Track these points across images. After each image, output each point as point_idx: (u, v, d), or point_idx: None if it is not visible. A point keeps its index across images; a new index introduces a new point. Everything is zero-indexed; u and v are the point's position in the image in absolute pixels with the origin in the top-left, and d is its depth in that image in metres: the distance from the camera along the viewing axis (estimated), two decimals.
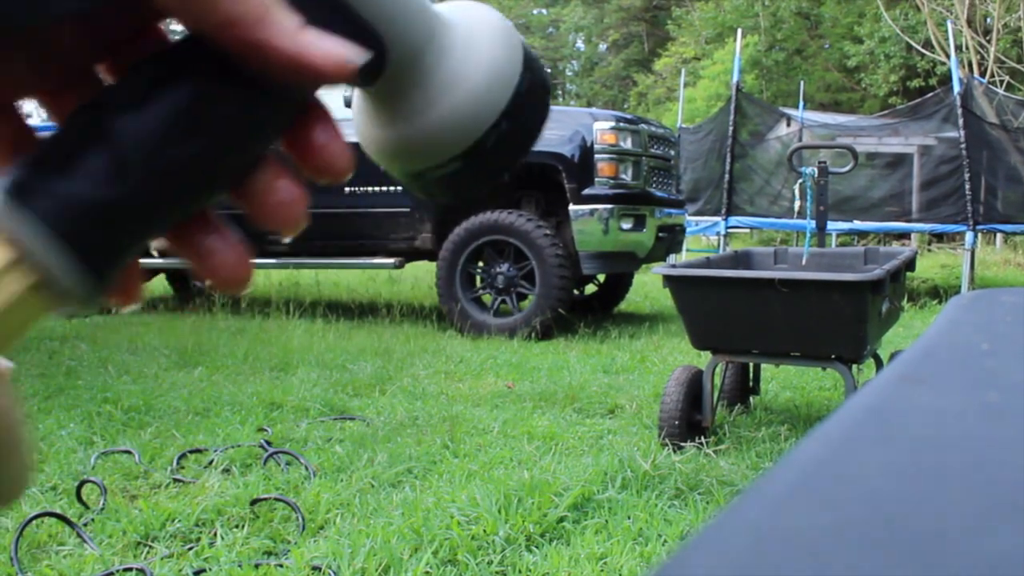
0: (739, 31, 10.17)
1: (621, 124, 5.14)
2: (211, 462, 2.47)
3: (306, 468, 2.39)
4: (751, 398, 3.31)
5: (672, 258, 6.12)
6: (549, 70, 11.56)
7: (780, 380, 3.75)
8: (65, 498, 2.20)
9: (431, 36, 0.32)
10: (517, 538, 1.89)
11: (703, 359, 2.95)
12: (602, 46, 37.67)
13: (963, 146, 7.69)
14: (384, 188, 5.35)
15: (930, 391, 0.39)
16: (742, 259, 3.33)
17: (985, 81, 10.89)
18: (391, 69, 0.31)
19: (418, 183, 0.35)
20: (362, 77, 0.30)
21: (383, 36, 0.30)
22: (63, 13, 0.26)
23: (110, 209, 0.26)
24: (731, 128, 8.71)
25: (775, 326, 2.51)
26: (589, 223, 5.02)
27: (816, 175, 3.78)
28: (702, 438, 2.65)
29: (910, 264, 2.97)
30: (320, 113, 0.31)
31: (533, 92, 0.34)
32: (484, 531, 1.90)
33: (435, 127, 0.32)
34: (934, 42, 17.18)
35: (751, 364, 3.21)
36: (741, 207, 8.65)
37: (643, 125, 5.41)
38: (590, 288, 6.52)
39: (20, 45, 0.29)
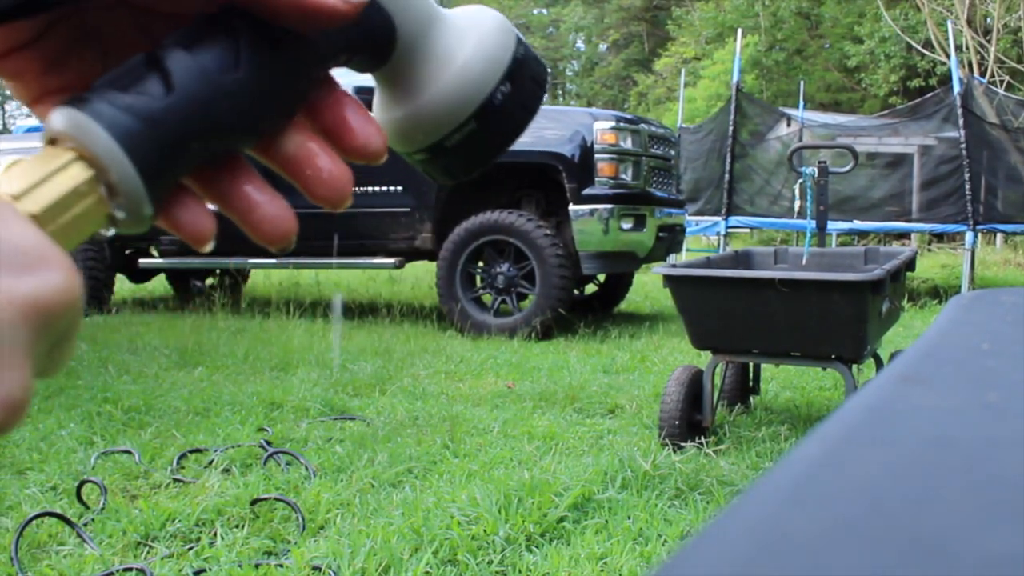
0: (739, 31, 10.17)
1: (621, 124, 5.14)
2: (211, 462, 2.47)
3: (306, 468, 2.39)
4: (751, 398, 3.31)
5: (672, 258, 6.12)
6: (549, 70, 11.22)
7: (780, 380, 3.75)
8: (65, 498, 2.20)
9: (432, 19, 0.37)
10: (517, 538, 1.89)
11: (703, 359, 2.95)
12: (602, 46, 37.67)
13: (963, 146, 7.68)
14: (384, 188, 5.35)
15: (930, 391, 0.39)
16: (742, 259, 3.33)
17: (985, 81, 10.88)
18: (400, 48, 0.36)
19: (440, 155, 0.38)
20: (377, 56, 0.36)
21: (392, 15, 0.35)
22: None
23: (159, 118, 0.29)
24: (731, 128, 8.71)
25: (775, 326, 2.51)
26: (589, 223, 5.01)
27: (816, 175, 3.78)
28: (702, 438, 2.65)
29: (910, 264, 2.97)
30: (350, 99, 0.35)
31: (528, 61, 0.39)
32: (484, 531, 1.90)
33: (447, 90, 0.36)
34: (934, 42, 17.18)
35: (751, 364, 3.21)
36: (741, 207, 8.65)
37: (643, 125, 5.41)
38: (590, 288, 6.52)
39: (88, 36, 0.33)
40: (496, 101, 0.37)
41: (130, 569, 1.77)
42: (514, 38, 0.38)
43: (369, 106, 0.39)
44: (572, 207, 5.05)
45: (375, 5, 0.35)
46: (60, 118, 0.29)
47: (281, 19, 0.32)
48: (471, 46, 0.37)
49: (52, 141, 0.29)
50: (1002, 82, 15.41)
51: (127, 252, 6.62)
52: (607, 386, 3.57)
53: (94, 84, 0.30)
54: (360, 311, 6.33)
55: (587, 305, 6.34)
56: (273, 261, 5.79)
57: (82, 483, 2.19)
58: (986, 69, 15.93)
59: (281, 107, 0.33)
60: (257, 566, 1.78)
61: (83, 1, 0.32)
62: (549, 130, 5.12)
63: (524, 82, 0.38)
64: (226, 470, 2.43)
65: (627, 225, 5.06)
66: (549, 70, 0.40)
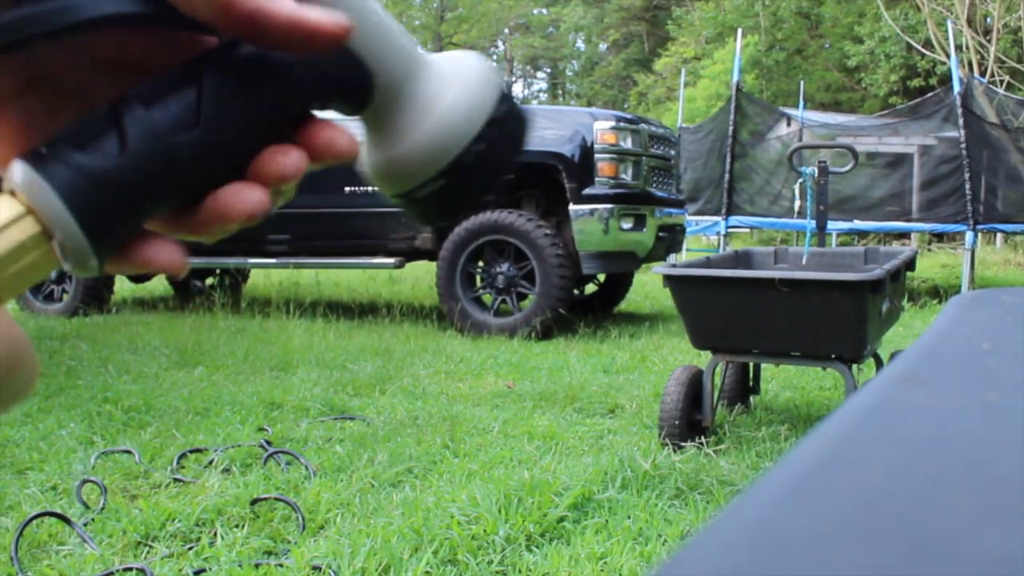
0: (739, 31, 10.17)
1: (621, 124, 5.14)
2: (211, 462, 2.47)
3: (306, 468, 2.39)
4: (751, 398, 3.31)
5: (672, 258, 6.12)
6: (549, 70, 10.95)
7: (780, 380, 3.75)
8: (65, 498, 2.20)
9: (413, 71, 0.37)
10: (517, 538, 1.89)
11: (703, 359, 2.95)
12: (602, 46, 37.65)
13: (963, 146, 7.68)
14: None
15: (930, 391, 0.39)
16: (742, 259, 3.33)
17: (985, 81, 10.88)
18: (378, 97, 0.37)
19: (411, 204, 0.39)
20: (354, 104, 0.37)
21: (370, 67, 0.36)
22: (92, 18, 0.31)
23: (111, 179, 0.31)
24: (731, 128, 8.71)
25: (775, 326, 2.51)
26: (589, 223, 5.01)
27: (816, 175, 3.78)
28: (702, 438, 2.65)
29: (910, 264, 2.97)
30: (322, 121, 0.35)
31: (508, 120, 0.39)
32: (484, 531, 1.90)
33: (418, 146, 0.37)
34: (934, 42, 17.17)
35: (751, 364, 3.21)
36: (741, 207, 8.65)
37: (643, 125, 5.41)
38: (590, 288, 6.52)
39: (38, 81, 0.34)
40: (466, 161, 0.37)
41: (130, 569, 1.77)
42: (495, 95, 0.38)
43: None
44: (572, 207, 5.05)
45: (349, 55, 0.35)
46: (18, 174, 0.30)
47: (272, 42, 0.31)
48: (447, 103, 0.37)
49: (11, 192, 0.31)
50: (1002, 82, 15.40)
51: None
52: (607, 386, 3.57)
53: (55, 136, 0.31)
54: (360, 311, 6.33)
55: (587, 305, 6.34)
56: (273, 261, 5.79)
57: (82, 483, 2.19)
58: (986, 69, 15.92)
59: (235, 166, 0.34)
60: (257, 566, 1.78)
61: (36, 47, 0.32)
62: (549, 130, 5.12)
63: (498, 142, 0.38)
64: (226, 470, 2.43)
65: (627, 225, 5.06)
66: (527, 121, 0.40)
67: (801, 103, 12.67)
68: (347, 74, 0.35)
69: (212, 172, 0.33)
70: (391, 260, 5.49)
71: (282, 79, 0.34)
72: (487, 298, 5.32)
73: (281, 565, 1.78)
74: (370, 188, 5.34)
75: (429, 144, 0.37)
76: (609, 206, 5.00)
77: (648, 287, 7.95)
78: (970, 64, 15.96)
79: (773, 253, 3.38)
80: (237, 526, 2.01)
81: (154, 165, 0.31)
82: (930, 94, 9.08)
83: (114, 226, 0.31)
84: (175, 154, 0.32)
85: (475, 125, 0.37)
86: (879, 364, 3.07)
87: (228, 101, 0.33)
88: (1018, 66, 16.24)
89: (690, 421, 2.69)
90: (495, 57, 41.75)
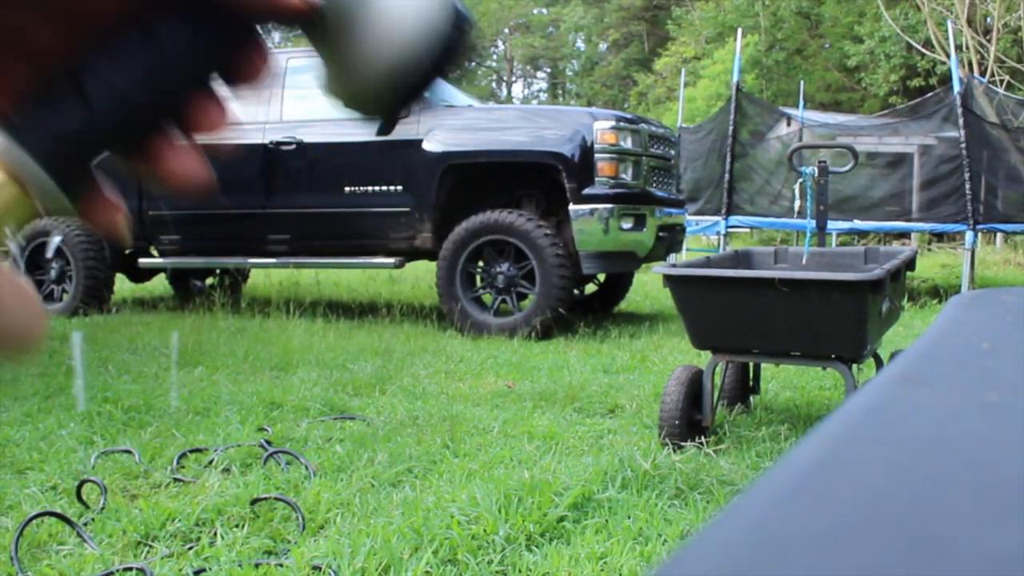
0: (739, 31, 10.17)
1: (621, 124, 5.13)
2: (211, 462, 2.47)
3: (306, 468, 2.39)
4: (751, 398, 3.31)
5: (672, 258, 6.12)
6: (549, 70, 10.63)
7: (780, 380, 3.75)
8: (65, 498, 2.20)
9: None
10: (517, 538, 1.89)
11: (703, 359, 2.95)
12: (602, 46, 37.65)
13: (963, 146, 7.68)
14: (384, 188, 5.35)
15: (930, 391, 0.39)
16: (742, 259, 3.33)
17: (985, 81, 10.87)
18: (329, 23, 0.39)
19: (367, 105, 0.42)
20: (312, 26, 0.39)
21: None
22: None
23: (77, 137, 0.35)
24: (731, 128, 8.70)
25: (775, 326, 2.51)
26: (589, 223, 5.01)
27: (816, 175, 3.78)
28: (702, 438, 2.65)
29: (910, 264, 2.96)
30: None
31: (452, 22, 0.41)
32: (484, 531, 1.90)
33: (369, 51, 0.39)
34: (934, 42, 17.17)
35: (751, 364, 3.21)
36: (741, 207, 8.65)
37: (643, 125, 5.41)
38: (590, 288, 6.52)
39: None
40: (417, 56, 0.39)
41: (130, 569, 1.77)
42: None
43: None
44: (572, 207, 5.05)
45: None
46: None
47: (248, 10, 0.35)
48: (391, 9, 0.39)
49: None
50: (1002, 82, 15.41)
51: (127, 252, 6.62)
52: (607, 386, 3.57)
53: (27, 103, 0.35)
54: (360, 311, 6.33)
55: (587, 305, 6.34)
56: (273, 261, 5.79)
57: (82, 483, 2.19)
58: (986, 69, 15.93)
59: (182, 107, 0.38)
60: (257, 566, 1.78)
61: None
62: (549, 130, 5.12)
63: (445, 38, 0.40)
64: (226, 470, 2.43)
65: (627, 225, 5.06)
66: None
67: (801, 103, 12.67)
68: None
69: (163, 115, 0.37)
70: (391, 260, 5.49)
71: (229, 16, 0.37)
72: (487, 298, 5.32)
73: (281, 565, 1.78)
74: (370, 188, 5.35)
75: (379, 47, 0.39)
76: (609, 206, 5.00)
77: (648, 287, 7.95)
78: (970, 64, 15.96)
79: (773, 253, 3.38)
80: (237, 526, 2.01)
81: (115, 121, 0.36)
82: (930, 94, 9.08)
83: (83, 174, 0.36)
84: (134, 109, 0.36)
85: (420, 27, 0.39)
86: (879, 364, 3.07)
87: (181, 51, 0.36)
88: (1018, 66, 16.25)
89: (690, 421, 2.69)
90: (495, 57, 41.71)
